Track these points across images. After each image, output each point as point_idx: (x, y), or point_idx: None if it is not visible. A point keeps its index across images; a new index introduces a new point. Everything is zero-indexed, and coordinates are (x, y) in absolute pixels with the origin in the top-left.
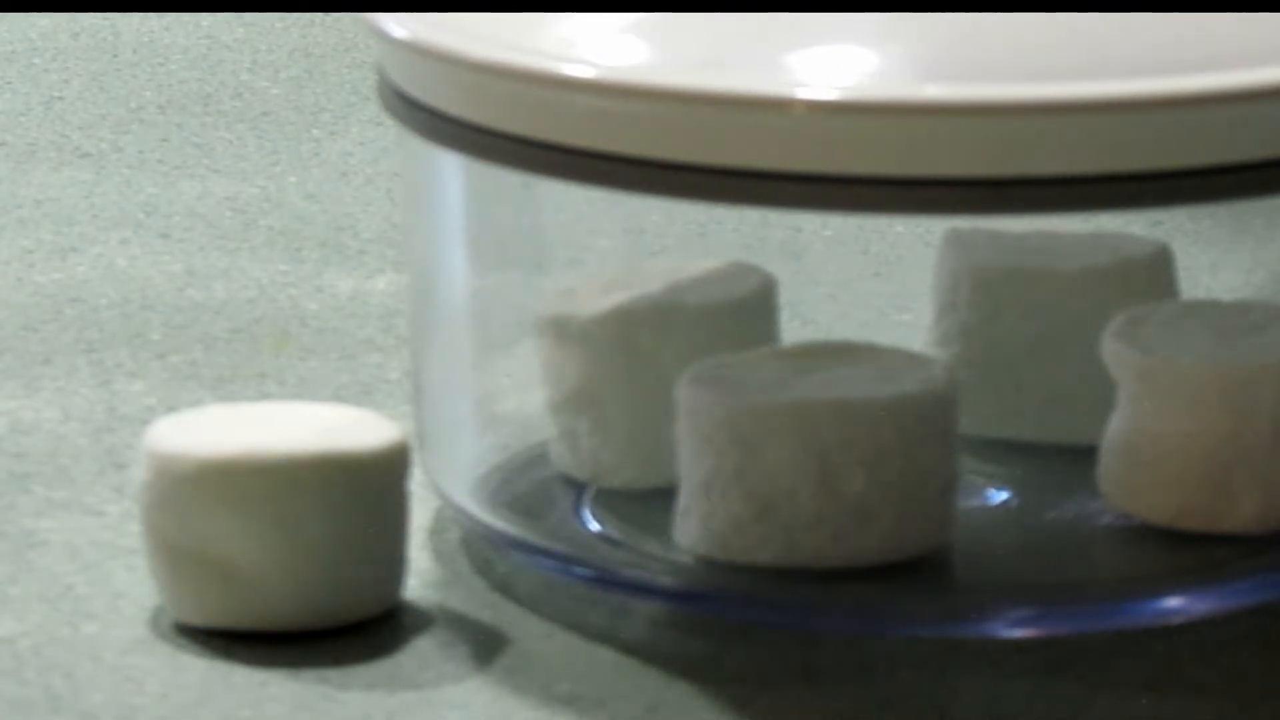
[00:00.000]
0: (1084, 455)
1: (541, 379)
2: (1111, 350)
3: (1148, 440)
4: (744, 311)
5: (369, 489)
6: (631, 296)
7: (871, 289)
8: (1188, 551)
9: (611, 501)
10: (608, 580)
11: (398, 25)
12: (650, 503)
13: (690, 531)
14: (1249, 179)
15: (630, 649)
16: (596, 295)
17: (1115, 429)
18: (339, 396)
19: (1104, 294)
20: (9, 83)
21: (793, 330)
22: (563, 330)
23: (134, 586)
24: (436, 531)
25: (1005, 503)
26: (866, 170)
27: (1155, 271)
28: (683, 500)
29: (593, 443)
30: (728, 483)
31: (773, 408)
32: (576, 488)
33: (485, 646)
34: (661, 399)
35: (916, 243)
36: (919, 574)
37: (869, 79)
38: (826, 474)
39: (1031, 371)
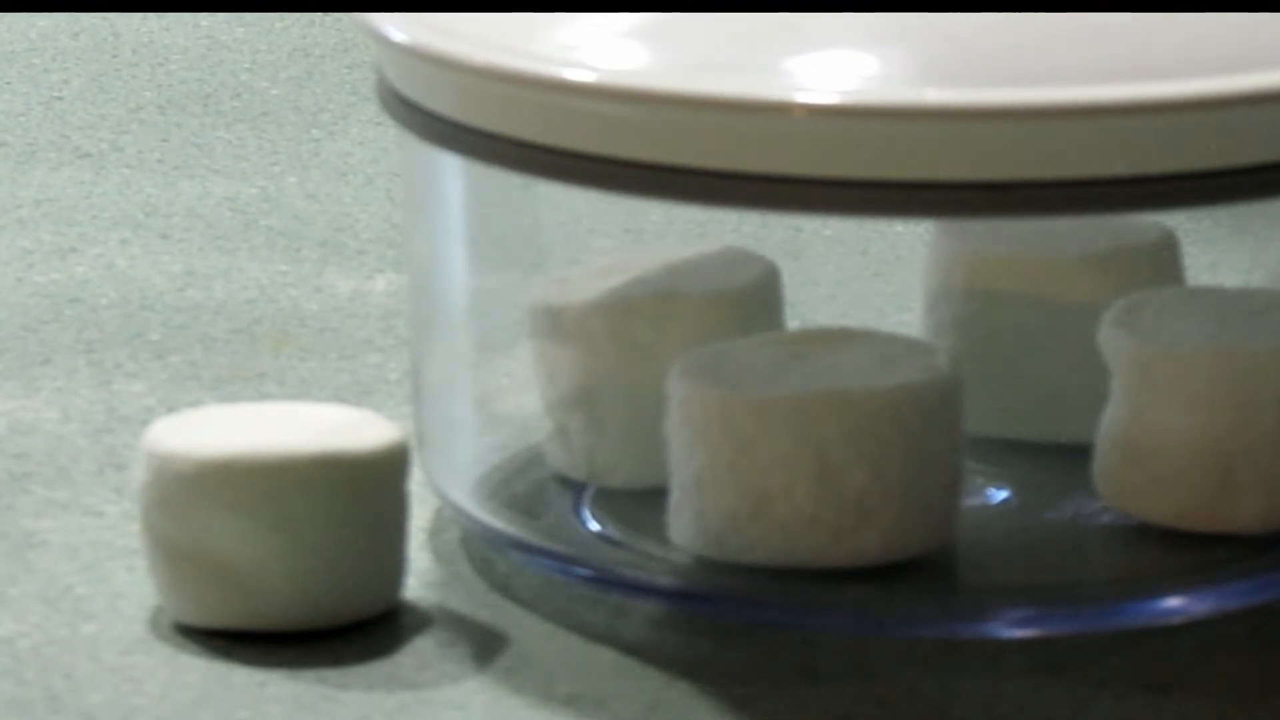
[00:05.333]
0: (1085, 454)
1: (534, 373)
2: (1108, 338)
3: (1146, 435)
4: (746, 301)
5: (369, 489)
6: (627, 285)
7: (871, 289)
8: (1188, 551)
9: (611, 501)
10: (607, 580)
11: (396, 30)
12: (650, 502)
13: (684, 530)
14: (1249, 182)
15: (630, 649)
16: (590, 284)
17: (1111, 423)
18: (339, 396)
19: (1106, 283)
20: (9, 83)
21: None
22: (555, 321)
23: (134, 586)
24: (436, 531)
25: (1005, 502)
26: (866, 174)
27: (1159, 258)
28: (675, 497)
29: (587, 440)
30: (721, 479)
31: (768, 399)
32: (576, 487)
33: (485, 646)
34: (658, 394)
35: (916, 243)
36: (919, 574)
37: (868, 83)
38: (825, 470)
39: (1030, 366)
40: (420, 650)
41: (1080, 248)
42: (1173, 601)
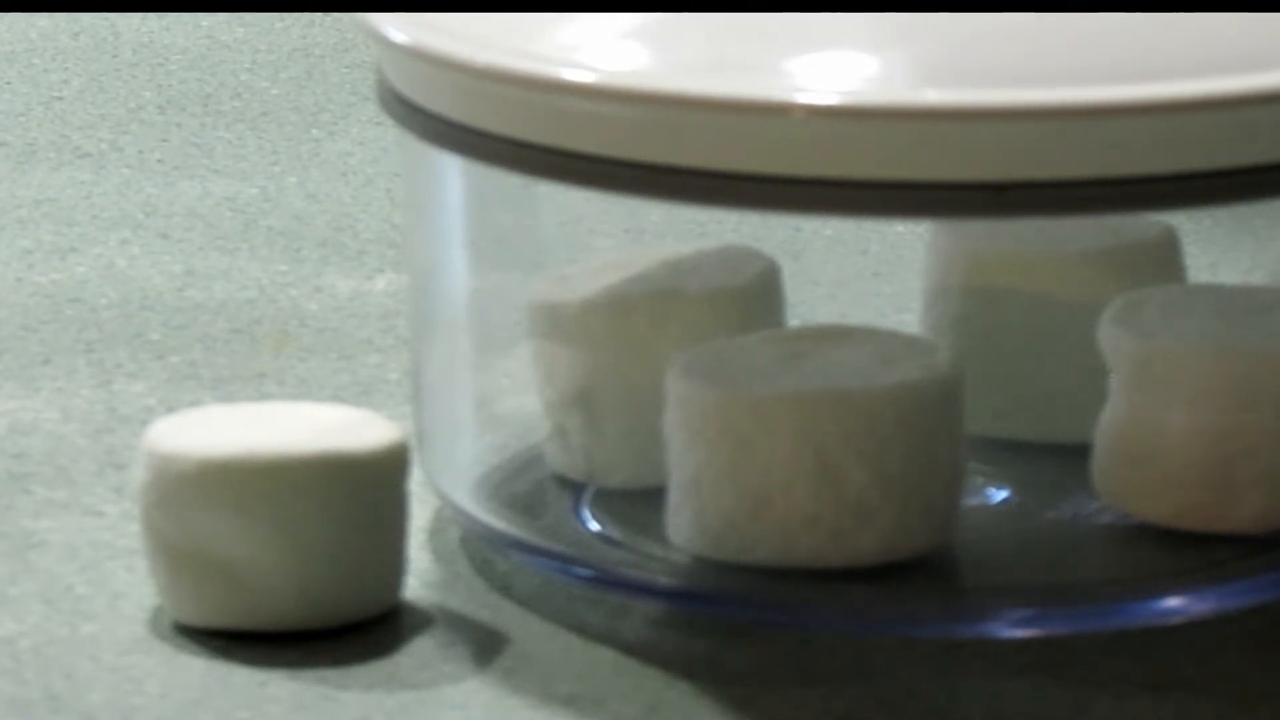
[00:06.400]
0: (1084, 453)
1: (533, 372)
2: (1108, 336)
3: (1145, 434)
4: (746, 299)
5: (369, 489)
6: (626, 283)
7: (871, 288)
8: (1188, 551)
9: (611, 501)
10: (607, 580)
11: (397, 30)
12: (649, 502)
13: (682, 529)
14: (1249, 182)
15: (630, 649)
16: (589, 282)
17: (1110, 422)
18: (339, 396)
19: (1105, 280)
20: (9, 83)
21: None
22: (554, 320)
23: (134, 586)
24: (436, 531)
25: (1005, 502)
26: (866, 174)
27: (1160, 256)
28: (673, 496)
29: (585, 440)
30: (719, 478)
31: (767, 398)
32: (575, 487)
33: (485, 646)
34: (658, 393)
35: (916, 243)
36: (919, 574)
37: (868, 83)
38: (824, 469)
39: (1030, 364)
40: (420, 650)
41: (1080, 245)
42: (1173, 601)
